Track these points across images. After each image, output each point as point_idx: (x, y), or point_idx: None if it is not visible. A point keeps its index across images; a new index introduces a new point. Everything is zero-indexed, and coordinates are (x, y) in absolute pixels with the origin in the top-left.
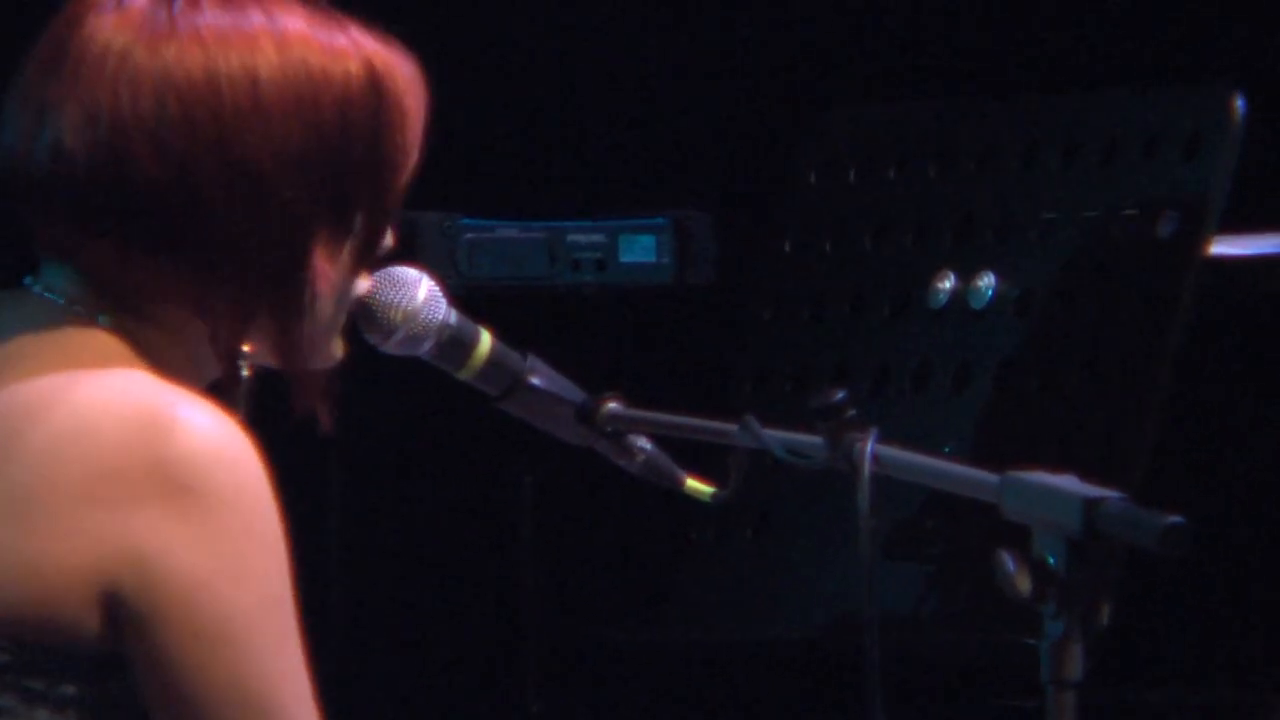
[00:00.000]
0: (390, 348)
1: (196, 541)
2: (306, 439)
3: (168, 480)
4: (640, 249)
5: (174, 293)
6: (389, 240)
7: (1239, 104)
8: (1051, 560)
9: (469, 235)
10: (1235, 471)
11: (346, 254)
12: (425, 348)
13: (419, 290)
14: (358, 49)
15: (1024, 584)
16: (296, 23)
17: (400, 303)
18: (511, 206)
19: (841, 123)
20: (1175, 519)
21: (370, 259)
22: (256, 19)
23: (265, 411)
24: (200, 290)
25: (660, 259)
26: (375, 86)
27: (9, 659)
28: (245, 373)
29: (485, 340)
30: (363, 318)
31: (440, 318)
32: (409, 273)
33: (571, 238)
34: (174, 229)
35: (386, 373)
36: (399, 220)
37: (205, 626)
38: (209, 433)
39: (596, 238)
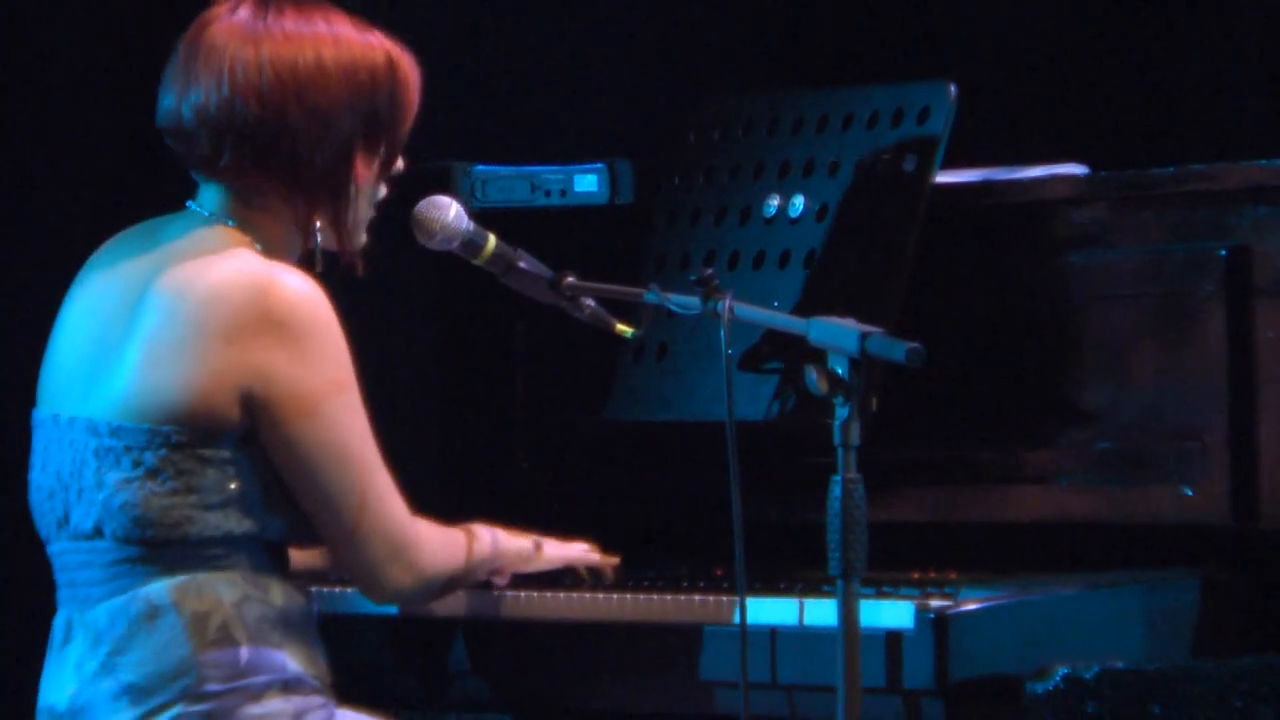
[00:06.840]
0: (433, 246)
1: (293, 356)
2: (384, 307)
3: (273, 321)
4: (587, 183)
5: (272, 192)
6: (400, 164)
7: (953, 91)
8: (840, 370)
9: (481, 176)
10: (954, 314)
11: (375, 168)
12: (454, 245)
13: (450, 210)
14: (382, 45)
15: (823, 385)
16: (345, 27)
17: (439, 218)
18: (508, 158)
19: (711, 105)
20: (915, 344)
21: (389, 171)
22: (320, 25)
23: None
24: (287, 187)
25: (600, 189)
26: (391, 66)
27: (185, 438)
28: (319, 241)
29: (491, 240)
30: (415, 227)
31: (464, 227)
32: (444, 199)
33: (544, 176)
34: (270, 148)
35: (430, 264)
36: (428, 162)
37: (301, 406)
38: (296, 287)
39: (560, 176)
